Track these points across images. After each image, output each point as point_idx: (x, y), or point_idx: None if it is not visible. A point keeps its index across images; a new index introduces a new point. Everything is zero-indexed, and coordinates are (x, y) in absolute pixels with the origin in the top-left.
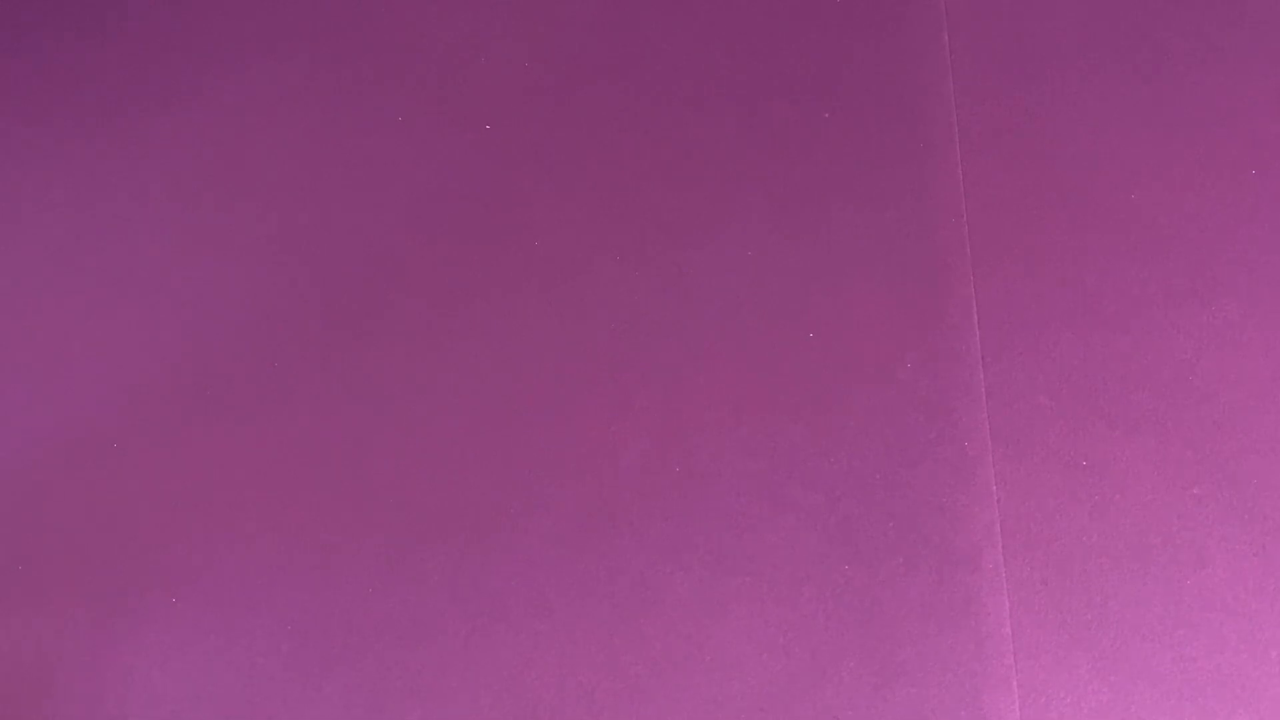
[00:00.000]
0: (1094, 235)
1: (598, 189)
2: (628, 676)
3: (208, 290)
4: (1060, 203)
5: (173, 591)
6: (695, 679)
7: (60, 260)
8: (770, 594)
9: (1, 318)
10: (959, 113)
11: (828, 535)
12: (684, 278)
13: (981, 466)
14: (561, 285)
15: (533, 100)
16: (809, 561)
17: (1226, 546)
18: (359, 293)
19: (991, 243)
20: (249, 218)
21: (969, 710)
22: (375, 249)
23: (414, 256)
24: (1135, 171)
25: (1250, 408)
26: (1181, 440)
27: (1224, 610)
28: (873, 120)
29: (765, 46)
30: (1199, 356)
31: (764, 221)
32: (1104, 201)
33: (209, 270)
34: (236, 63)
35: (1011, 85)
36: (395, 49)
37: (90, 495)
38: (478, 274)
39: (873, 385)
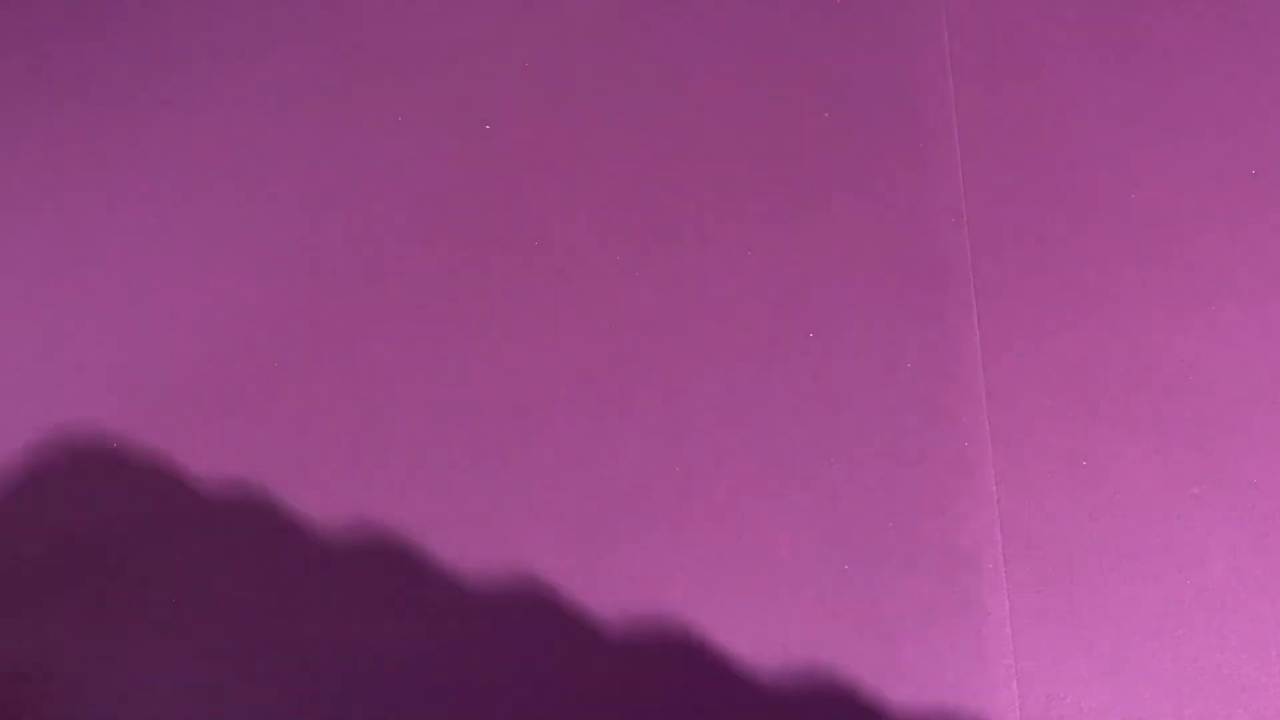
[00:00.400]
0: (1094, 235)
1: (597, 188)
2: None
3: (199, 293)
4: (1060, 203)
5: (173, 591)
6: (695, 680)
7: (47, 267)
8: (770, 594)
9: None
10: (959, 112)
11: (828, 535)
12: (684, 278)
13: (981, 466)
14: (560, 285)
15: (533, 100)
16: (809, 561)
17: (1227, 546)
18: (358, 292)
19: (991, 243)
20: (248, 218)
21: (969, 710)
22: (374, 249)
23: (413, 256)
24: (1135, 171)
25: (1250, 407)
26: (1181, 440)
27: (1224, 610)
28: (873, 120)
29: (765, 46)
30: (1199, 356)
31: (764, 221)
32: (1104, 201)
33: (208, 271)
34: (235, 62)
35: (1012, 85)
36: (395, 49)
37: (89, 494)
38: (477, 274)
39: (873, 385)
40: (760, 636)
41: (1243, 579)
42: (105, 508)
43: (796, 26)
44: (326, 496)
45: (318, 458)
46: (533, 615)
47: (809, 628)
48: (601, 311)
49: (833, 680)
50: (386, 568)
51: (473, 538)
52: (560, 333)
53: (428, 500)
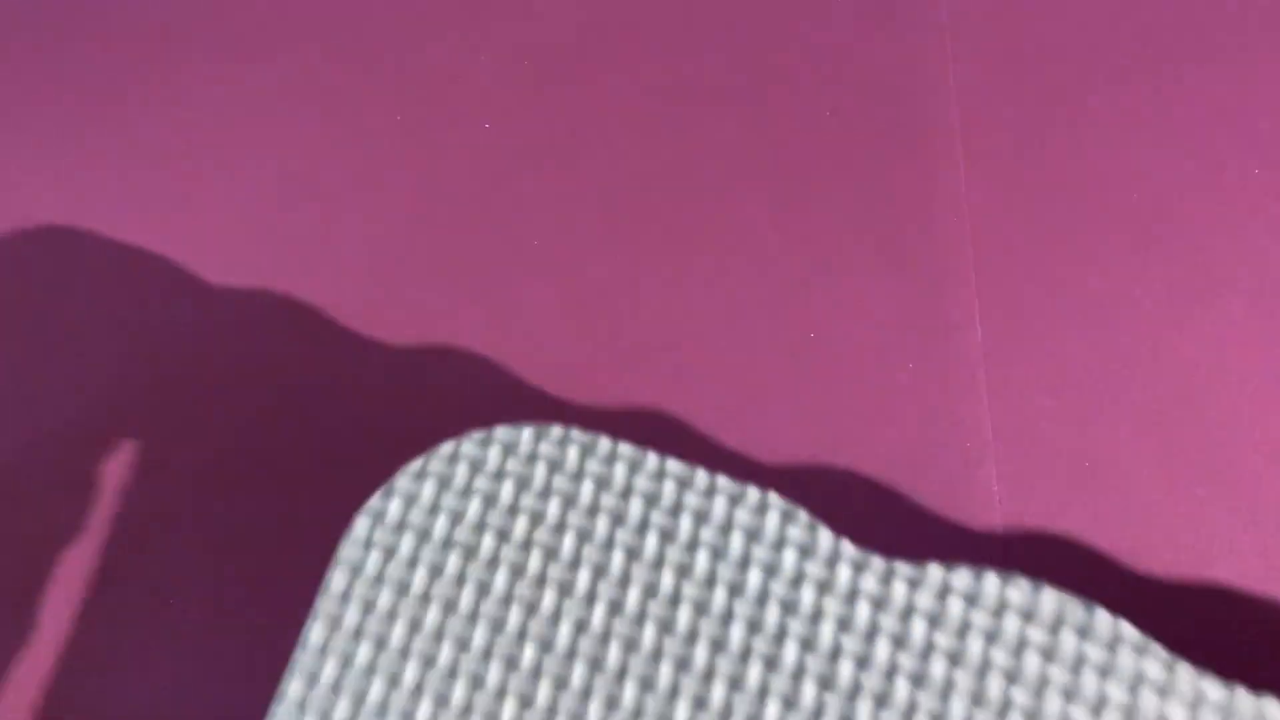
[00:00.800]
0: (1096, 235)
1: (597, 187)
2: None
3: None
4: (1063, 202)
5: (170, 593)
6: None
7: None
8: None
9: None
10: (961, 111)
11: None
12: (683, 277)
13: (983, 466)
14: (559, 284)
15: (533, 99)
16: None
17: (1230, 549)
18: (356, 294)
19: (993, 242)
20: (245, 217)
21: None
22: (369, 249)
23: (411, 256)
24: (1139, 170)
25: (1253, 408)
26: (1186, 441)
27: (1228, 613)
28: (874, 119)
29: (767, 44)
30: (1203, 356)
31: (764, 221)
32: (1107, 200)
33: (186, 285)
34: (231, 61)
35: (1014, 84)
36: (395, 48)
37: (83, 492)
38: (475, 273)
39: (873, 386)
40: None
41: (1247, 581)
42: (99, 503)
43: (797, 23)
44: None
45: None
46: None
47: None
48: (600, 311)
49: None
50: None
51: None
52: (559, 333)
53: None
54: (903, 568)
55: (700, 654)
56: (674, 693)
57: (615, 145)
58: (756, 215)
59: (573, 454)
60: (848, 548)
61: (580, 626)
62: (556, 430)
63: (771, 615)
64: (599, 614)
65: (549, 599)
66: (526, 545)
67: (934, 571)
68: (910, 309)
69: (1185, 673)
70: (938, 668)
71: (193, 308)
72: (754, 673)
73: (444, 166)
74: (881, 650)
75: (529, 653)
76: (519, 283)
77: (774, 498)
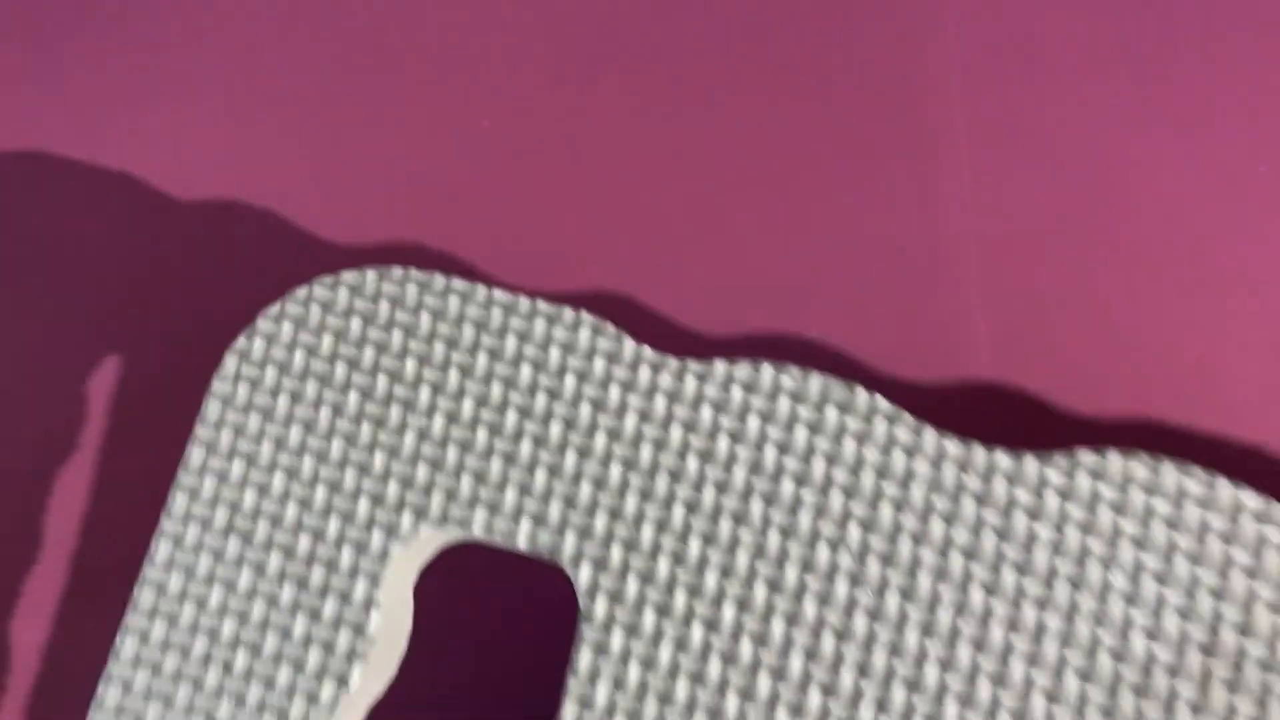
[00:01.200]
0: (1103, 235)
1: (595, 185)
2: None
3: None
4: (1069, 201)
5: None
6: None
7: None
8: None
9: None
10: (965, 109)
11: None
12: (683, 276)
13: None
14: (559, 283)
15: (531, 97)
16: None
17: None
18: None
19: (998, 242)
20: (246, 214)
21: None
22: (368, 247)
23: (410, 255)
24: (1146, 169)
25: (1259, 409)
26: (1190, 443)
27: None
28: (877, 115)
29: (768, 42)
30: (1214, 358)
31: (765, 218)
32: (1114, 199)
33: (187, 280)
34: (226, 58)
35: (1019, 81)
36: (393, 44)
37: (80, 492)
38: (475, 272)
39: (875, 386)
40: None
41: None
42: (96, 504)
43: (798, 17)
44: None
45: None
46: None
47: None
48: (601, 311)
49: None
50: None
51: None
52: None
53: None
54: (693, 364)
55: (525, 449)
56: (504, 481)
57: (614, 143)
58: (757, 214)
59: (412, 290)
60: (648, 352)
61: (422, 435)
62: (397, 271)
63: (584, 412)
64: (438, 423)
65: (395, 414)
66: (373, 371)
67: (719, 365)
68: (913, 308)
69: (929, 434)
70: (722, 445)
71: (169, 301)
72: (570, 460)
73: (439, 163)
74: (675, 434)
75: (378, 460)
76: (516, 285)
77: (585, 315)
